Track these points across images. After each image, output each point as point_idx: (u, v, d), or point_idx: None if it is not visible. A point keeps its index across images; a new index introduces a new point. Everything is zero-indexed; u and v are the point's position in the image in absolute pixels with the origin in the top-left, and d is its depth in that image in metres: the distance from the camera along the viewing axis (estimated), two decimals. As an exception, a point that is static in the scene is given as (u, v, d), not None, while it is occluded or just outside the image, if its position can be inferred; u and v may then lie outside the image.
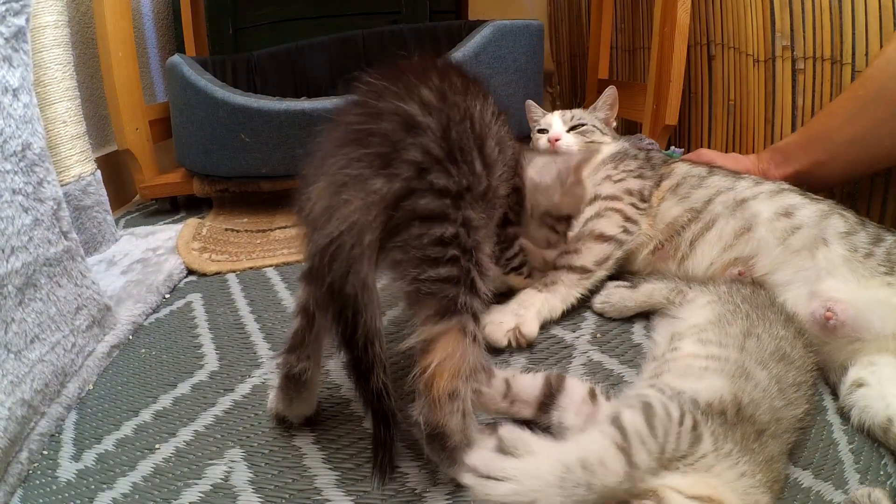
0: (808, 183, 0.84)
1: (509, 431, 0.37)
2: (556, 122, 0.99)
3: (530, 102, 1.10)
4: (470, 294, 0.43)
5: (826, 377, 0.60)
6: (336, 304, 0.42)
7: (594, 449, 0.35)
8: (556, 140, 0.94)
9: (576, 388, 0.49)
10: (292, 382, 0.52)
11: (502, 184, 0.54)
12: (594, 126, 0.97)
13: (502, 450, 0.36)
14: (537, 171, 0.67)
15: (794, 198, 0.70)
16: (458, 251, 0.43)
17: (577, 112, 1.01)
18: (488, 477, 0.34)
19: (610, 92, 1.02)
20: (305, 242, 0.45)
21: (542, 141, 0.98)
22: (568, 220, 0.69)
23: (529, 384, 0.50)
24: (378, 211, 0.41)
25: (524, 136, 1.15)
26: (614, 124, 1.04)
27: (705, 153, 0.99)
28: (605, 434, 0.36)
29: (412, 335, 0.43)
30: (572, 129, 0.96)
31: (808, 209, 0.68)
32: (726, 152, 1.21)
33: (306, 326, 0.50)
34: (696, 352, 0.52)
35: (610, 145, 0.94)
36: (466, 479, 0.35)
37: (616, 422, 0.37)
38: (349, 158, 0.43)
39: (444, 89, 0.47)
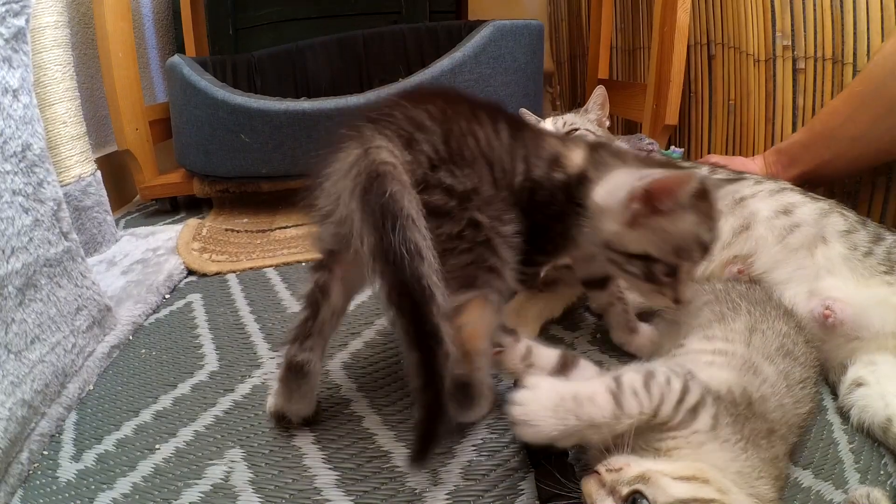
0: (815, 181, 0.84)
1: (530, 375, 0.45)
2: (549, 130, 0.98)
3: (523, 111, 1.09)
4: (488, 273, 0.49)
5: (826, 376, 0.60)
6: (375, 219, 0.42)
7: (589, 388, 0.42)
8: None
9: (588, 366, 0.54)
10: (293, 373, 0.52)
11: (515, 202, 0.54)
12: (587, 129, 0.96)
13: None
14: (608, 189, 0.52)
15: (793, 196, 0.70)
16: (468, 244, 0.48)
17: (569, 117, 1.00)
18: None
19: (599, 92, 1.01)
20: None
21: None
22: (652, 262, 0.51)
23: (546, 355, 0.53)
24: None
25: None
26: (607, 123, 1.03)
27: (713, 159, 0.99)
28: (603, 382, 0.42)
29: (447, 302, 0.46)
30: (566, 134, 0.96)
31: (808, 207, 0.68)
32: (727, 153, 1.21)
33: (311, 316, 0.51)
34: (701, 347, 0.52)
35: None
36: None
37: (616, 377, 0.42)
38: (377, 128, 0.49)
39: (446, 109, 0.53)
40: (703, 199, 0.51)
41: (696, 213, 0.50)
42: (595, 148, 0.58)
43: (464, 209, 0.48)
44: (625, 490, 0.36)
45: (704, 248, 0.52)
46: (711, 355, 0.50)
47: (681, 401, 0.41)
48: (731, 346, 0.50)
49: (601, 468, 0.39)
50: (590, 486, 0.38)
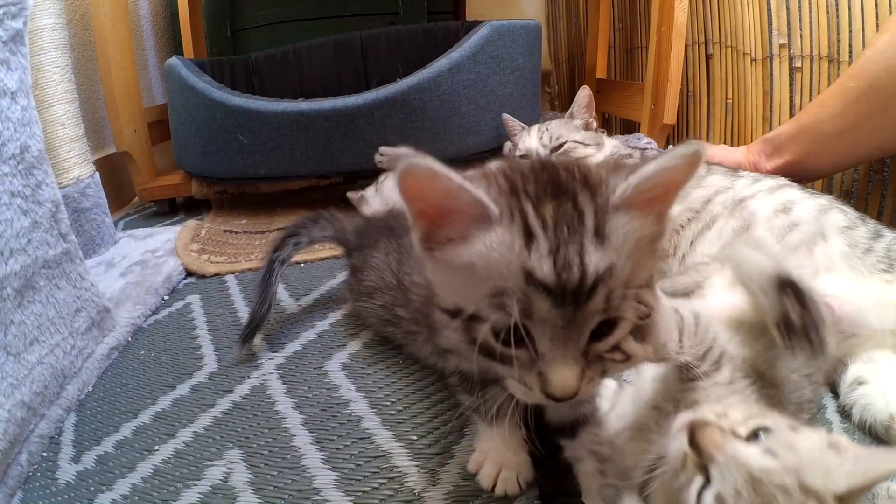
0: (799, 173, 0.83)
1: None
2: (535, 147, 0.94)
3: (506, 116, 1.07)
4: None
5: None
6: None
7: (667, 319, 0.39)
8: None
9: None
10: None
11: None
12: (575, 141, 0.93)
13: None
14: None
15: (792, 193, 0.70)
16: None
17: (553, 127, 0.96)
18: None
19: (583, 94, 0.99)
20: None
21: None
22: (474, 322, 0.32)
23: None
24: None
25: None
26: (594, 125, 1.01)
27: None
28: (670, 312, 0.40)
29: None
30: (555, 149, 0.93)
31: (807, 205, 0.68)
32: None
33: None
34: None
35: (598, 152, 0.92)
36: None
37: (678, 310, 0.41)
38: None
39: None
40: (531, 198, 0.31)
41: (505, 226, 0.30)
42: None
43: None
44: (743, 430, 0.34)
45: (546, 287, 0.29)
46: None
47: (708, 351, 0.40)
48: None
49: (712, 418, 0.36)
50: (714, 434, 0.34)
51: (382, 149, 1.02)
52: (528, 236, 0.30)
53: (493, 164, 0.38)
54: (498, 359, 0.33)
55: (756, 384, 0.42)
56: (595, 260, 0.29)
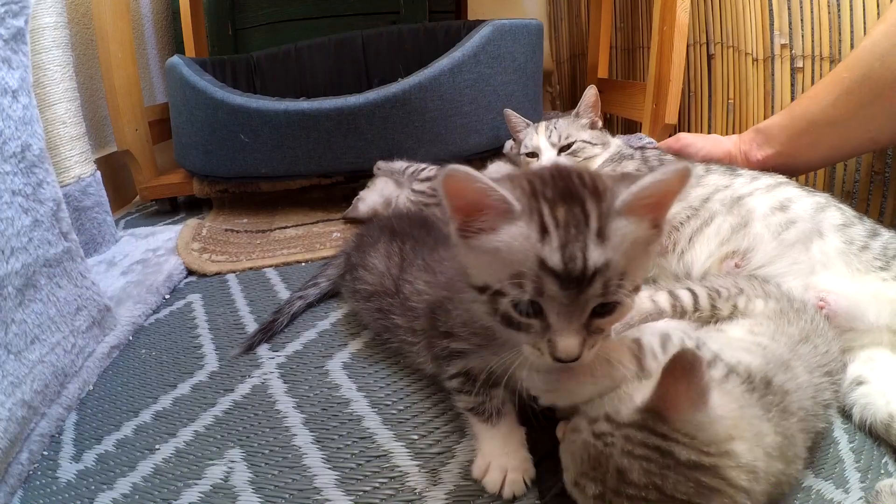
0: (791, 165, 0.83)
1: None
2: (544, 146, 0.93)
3: (509, 112, 1.04)
4: None
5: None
6: None
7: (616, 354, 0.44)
8: None
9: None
10: None
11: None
12: (583, 141, 0.92)
13: None
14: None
15: (790, 191, 0.70)
16: None
17: (561, 125, 0.95)
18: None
19: (590, 93, 0.97)
20: None
21: (533, 167, 0.94)
22: (497, 296, 0.40)
23: None
24: None
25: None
26: (600, 124, 1.00)
27: (684, 137, 0.97)
28: (625, 345, 0.45)
29: None
30: (563, 148, 0.92)
31: (804, 202, 0.68)
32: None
33: None
34: (741, 337, 0.50)
35: (604, 152, 0.92)
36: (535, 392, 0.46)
37: (636, 340, 0.45)
38: None
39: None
40: (548, 201, 0.38)
41: (525, 221, 0.38)
42: None
43: None
44: None
45: (555, 273, 0.36)
46: (749, 345, 0.48)
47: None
48: (772, 344, 0.48)
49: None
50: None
51: (379, 163, 1.08)
52: (544, 231, 0.37)
53: (500, 167, 0.46)
54: (516, 327, 0.40)
55: (755, 389, 0.41)
56: (595, 256, 0.36)
